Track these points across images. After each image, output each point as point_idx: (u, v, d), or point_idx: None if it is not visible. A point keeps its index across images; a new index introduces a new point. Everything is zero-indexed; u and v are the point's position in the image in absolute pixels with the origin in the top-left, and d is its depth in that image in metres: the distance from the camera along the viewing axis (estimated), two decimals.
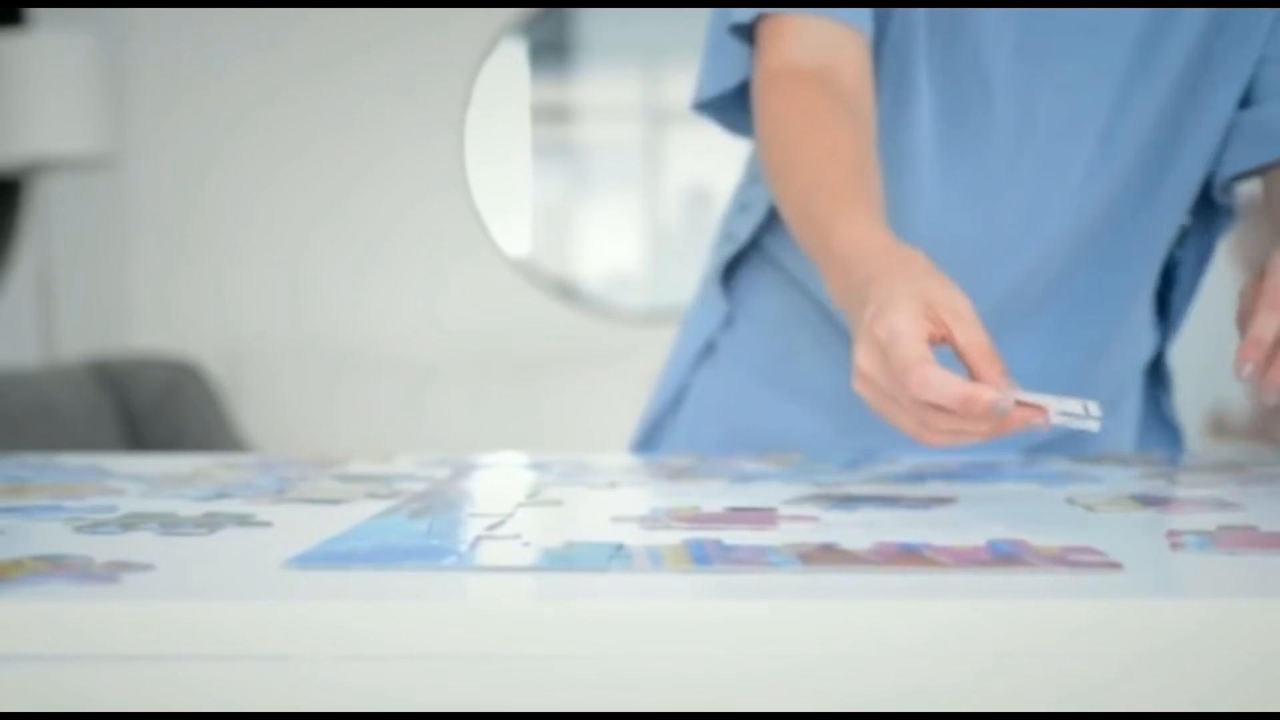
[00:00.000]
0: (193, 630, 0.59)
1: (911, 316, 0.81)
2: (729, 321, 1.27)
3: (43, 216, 3.20)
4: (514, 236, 3.91)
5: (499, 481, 1.05)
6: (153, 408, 3.12)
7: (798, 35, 1.08)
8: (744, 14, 1.10)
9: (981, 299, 0.99)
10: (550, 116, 4.04)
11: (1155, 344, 1.28)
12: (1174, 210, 1.18)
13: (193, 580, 0.66)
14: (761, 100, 1.08)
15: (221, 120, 3.76)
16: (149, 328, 3.72)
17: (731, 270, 1.27)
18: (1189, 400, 1.41)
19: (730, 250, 1.25)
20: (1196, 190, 1.18)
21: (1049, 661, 0.59)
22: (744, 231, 1.24)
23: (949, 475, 1.02)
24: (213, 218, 3.78)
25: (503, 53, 3.84)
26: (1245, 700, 0.59)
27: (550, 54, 4.00)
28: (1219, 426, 3.50)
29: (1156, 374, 1.31)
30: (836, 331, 1.21)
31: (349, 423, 3.57)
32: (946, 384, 0.79)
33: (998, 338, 0.88)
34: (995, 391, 0.79)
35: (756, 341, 1.25)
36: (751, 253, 1.26)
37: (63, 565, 0.66)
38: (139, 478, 1.01)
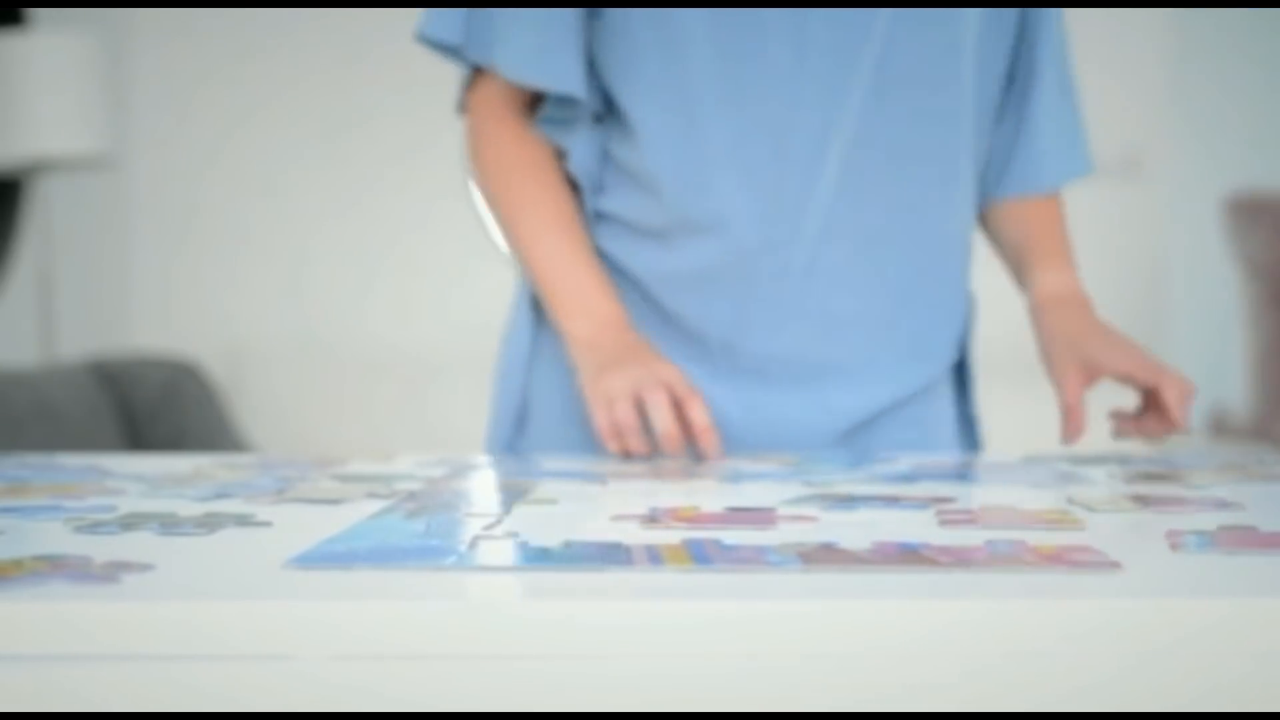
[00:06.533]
0: (193, 630, 0.59)
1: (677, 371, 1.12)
2: (540, 324, 1.29)
3: (43, 216, 3.20)
4: None
5: (498, 481, 1.05)
6: (153, 408, 3.12)
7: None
8: (448, 35, 1.21)
9: (780, 231, 1.18)
10: None
11: (962, 326, 1.28)
12: (961, 160, 1.22)
13: (193, 580, 0.66)
14: (483, 131, 1.24)
15: (221, 120, 3.76)
16: (149, 328, 3.72)
17: None
18: None
19: None
20: (976, 150, 1.23)
21: (1049, 661, 0.59)
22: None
23: (949, 475, 1.02)
24: (213, 218, 3.78)
25: None
26: (1245, 700, 0.59)
27: None
28: (1219, 426, 3.50)
29: (960, 373, 1.32)
30: (657, 311, 1.24)
31: (349, 423, 3.57)
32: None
33: (804, 274, 1.18)
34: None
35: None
36: None
37: (62, 565, 0.66)
38: (139, 478, 1.01)
